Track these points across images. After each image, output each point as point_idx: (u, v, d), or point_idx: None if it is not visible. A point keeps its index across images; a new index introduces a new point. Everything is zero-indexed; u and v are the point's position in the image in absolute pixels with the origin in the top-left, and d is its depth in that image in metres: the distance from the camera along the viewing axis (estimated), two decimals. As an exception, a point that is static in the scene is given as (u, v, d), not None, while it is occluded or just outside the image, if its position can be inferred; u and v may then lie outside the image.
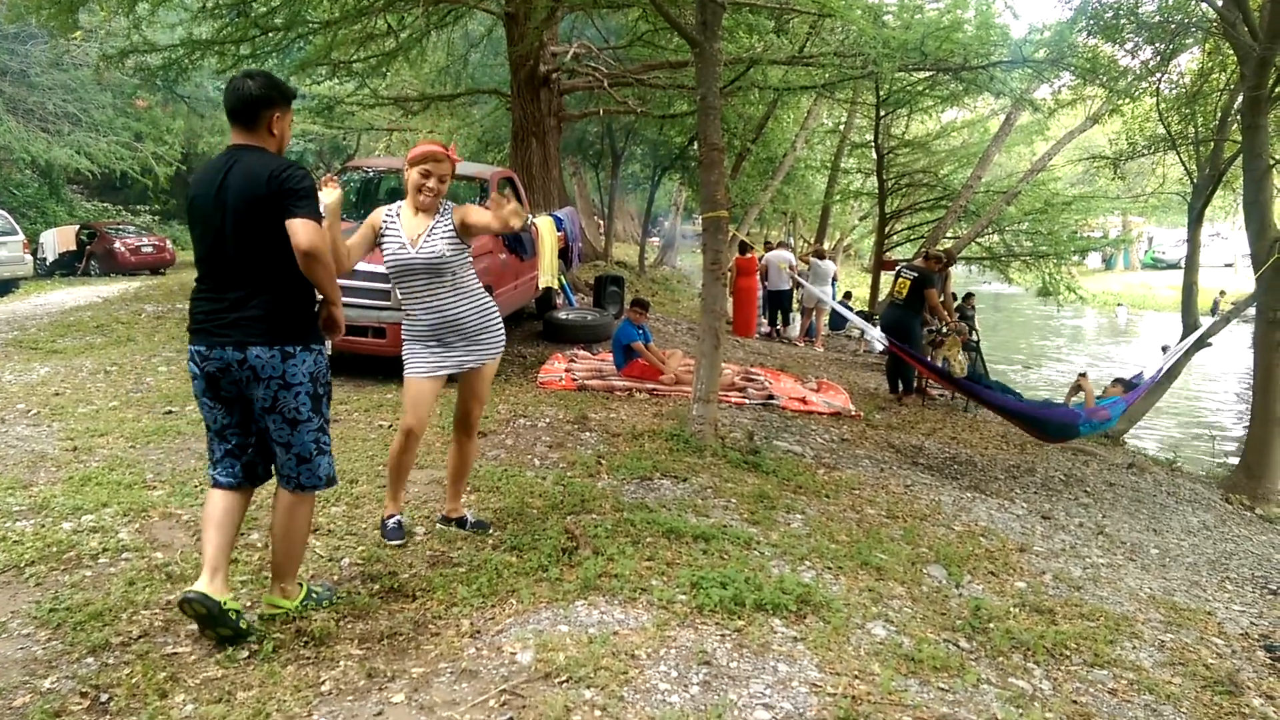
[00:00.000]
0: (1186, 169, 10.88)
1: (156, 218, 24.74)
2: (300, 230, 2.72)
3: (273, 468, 3.03)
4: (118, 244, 19.27)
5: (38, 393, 6.36)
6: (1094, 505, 6.68)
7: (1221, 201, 15.22)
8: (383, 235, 3.76)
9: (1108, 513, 6.54)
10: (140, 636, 2.86)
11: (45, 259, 19.26)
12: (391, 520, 3.87)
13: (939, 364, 7.70)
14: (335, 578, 3.44)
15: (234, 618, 2.78)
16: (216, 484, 2.95)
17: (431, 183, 3.70)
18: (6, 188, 21.16)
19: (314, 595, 3.14)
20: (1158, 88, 10.96)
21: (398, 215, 3.78)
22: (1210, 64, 10.72)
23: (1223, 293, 22.64)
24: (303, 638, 2.90)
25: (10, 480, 4.30)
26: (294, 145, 25.89)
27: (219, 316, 2.84)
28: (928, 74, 13.45)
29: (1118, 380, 8.34)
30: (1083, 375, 8.15)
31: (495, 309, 4.00)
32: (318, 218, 2.81)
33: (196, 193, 2.90)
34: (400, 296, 3.84)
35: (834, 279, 15.89)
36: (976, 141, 19.64)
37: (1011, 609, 3.95)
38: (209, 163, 2.97)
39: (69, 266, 19.41)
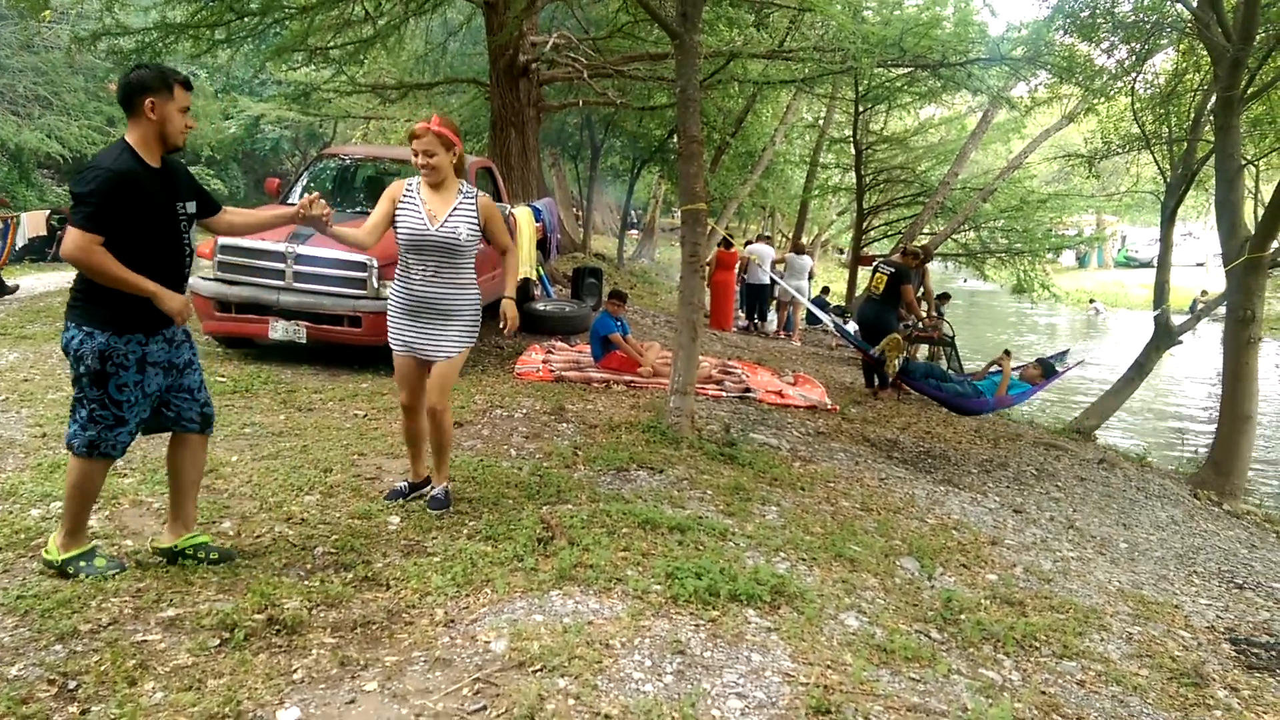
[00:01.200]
0: (1160, 168, 11.01)
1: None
2: (65, 239, 2.90)
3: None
4: None
5: (6, 379, 6.26)
6: (1065, 499, 6.76)
7: (1194, 201, 15.41)
8: (400, 208, 3.90)
9: (1078, 507, 6.61)
10: (109, 624, 2.83)
11: (15, 244, 18.96)
12: (437, 489, 4.18)
13: (876, 354, 8.04)
14: (308, 566, 3.41)
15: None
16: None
17: (421, 159, 3.85)
18: (-26, 172, 20.79)
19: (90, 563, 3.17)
20: (1133, 87, 11.06)
21: (417, 190, 3.94)
22: (1185, 64, 10.86)
23: (1204, 292, 22.85)
24: (274, 625, 2.88)
25: (-23, 467, 4.24)
26: (270, 132, 25.63)
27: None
28: (906, 70, 13.50)
29: (1039, 360, 8.49)
30: (1006, 354, 8.31)
31: (479, 307, 4.09)
32: (83, 225, 2.89)
33: None
34: (402, 269, 3.98)
35: (810, 274, 15.94)
36: (954, 138, 19.75)
37: (983, 601, 3.99)
38: None
39: (39, 252, 19.11)
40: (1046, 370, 8.28)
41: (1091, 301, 29.83)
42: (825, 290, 19.86)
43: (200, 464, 3.41)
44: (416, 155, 3.86)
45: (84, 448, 3.10)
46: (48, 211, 20.33)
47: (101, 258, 2.92)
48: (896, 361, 7.87)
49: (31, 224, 19.57)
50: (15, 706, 2.34)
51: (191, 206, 3.23)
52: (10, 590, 2.97)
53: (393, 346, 4.04)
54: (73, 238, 2.89)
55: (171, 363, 3.23)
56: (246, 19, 10.28)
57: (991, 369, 8.49)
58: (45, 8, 10.77)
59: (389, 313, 4.03)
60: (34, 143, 19.46)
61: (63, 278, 12.30)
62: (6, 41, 19.33)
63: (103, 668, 2.56)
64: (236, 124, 26.02)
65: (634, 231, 30.78)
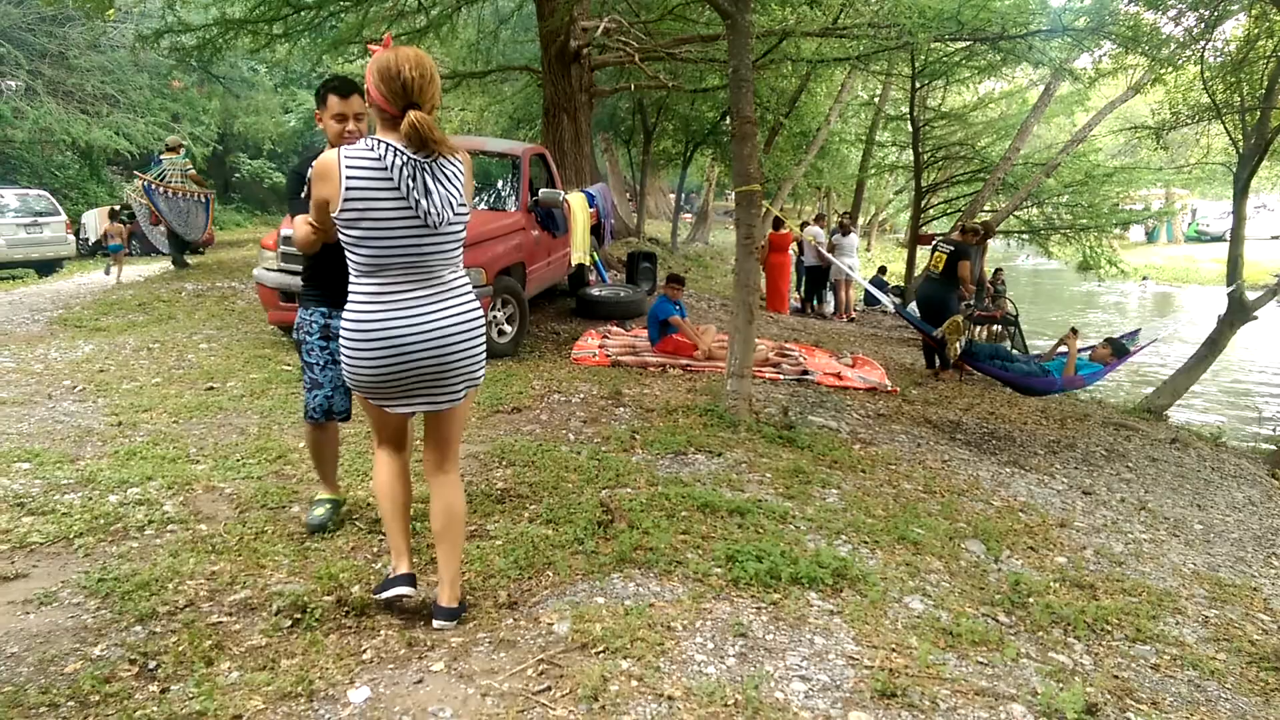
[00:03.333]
0: (1231, 139, 10.60)
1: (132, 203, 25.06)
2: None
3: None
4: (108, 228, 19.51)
5: (83, 369, 6.48)
6: (1136, 481, 6.59)
7: (1268, 172, 14.84)
8: None
9: (1150, 488, 6.44)
10: (186, 606, 2.91)
11: (87, 239, 19.57)
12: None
13: (938, 336, 7.91)
14: (375, 549, 3.48)
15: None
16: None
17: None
18: (48, 169, 21.47)
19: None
20: (1202, 55, 10.66)
21: None
22: (1256, 30, 10.41)
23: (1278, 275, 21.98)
24: (344, 607, 2.94)
25: (58, 454, 4.39)
26: (327, 125, 25.99)
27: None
28: (964, 44, 13.20)
29: (1108, 340, 8.20)
30: (1073, 332, 8.05)
31: None
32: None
33: None
34: None
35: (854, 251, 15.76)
36: (1015, 113, 19.30)
37: (1051, 584, 3.91)
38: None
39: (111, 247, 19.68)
40: (1117, 350, 8.01)
41: (1144, 279, 28.78)
42: (882, 270, 19.58)
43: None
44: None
45: (304, 412, 3.65)
46: (118, 207, 20.94)
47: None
48: (958, 345, 7.72)
49: (102, 219, 20.19)
50: (100, 685, 2.43)
51: None
52: (92, 573, 3.08)
53: None
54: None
55: None
56: (303, 13, 10.45)
57: (1059, 349, 8.26)
58: (109, 7, 11.08)
59: None
60: (103, 140, 20.05)
61: (134, 272, 12.66)
62: (75, 41, 19.90)
63: (180, 648, 2.64)
64: (295, 117, 26.50)
65: (688, 215, 30.66)
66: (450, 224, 2.67)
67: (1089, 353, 8.13)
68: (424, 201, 2.59)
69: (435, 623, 2.85)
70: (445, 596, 2.87)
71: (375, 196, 2.57)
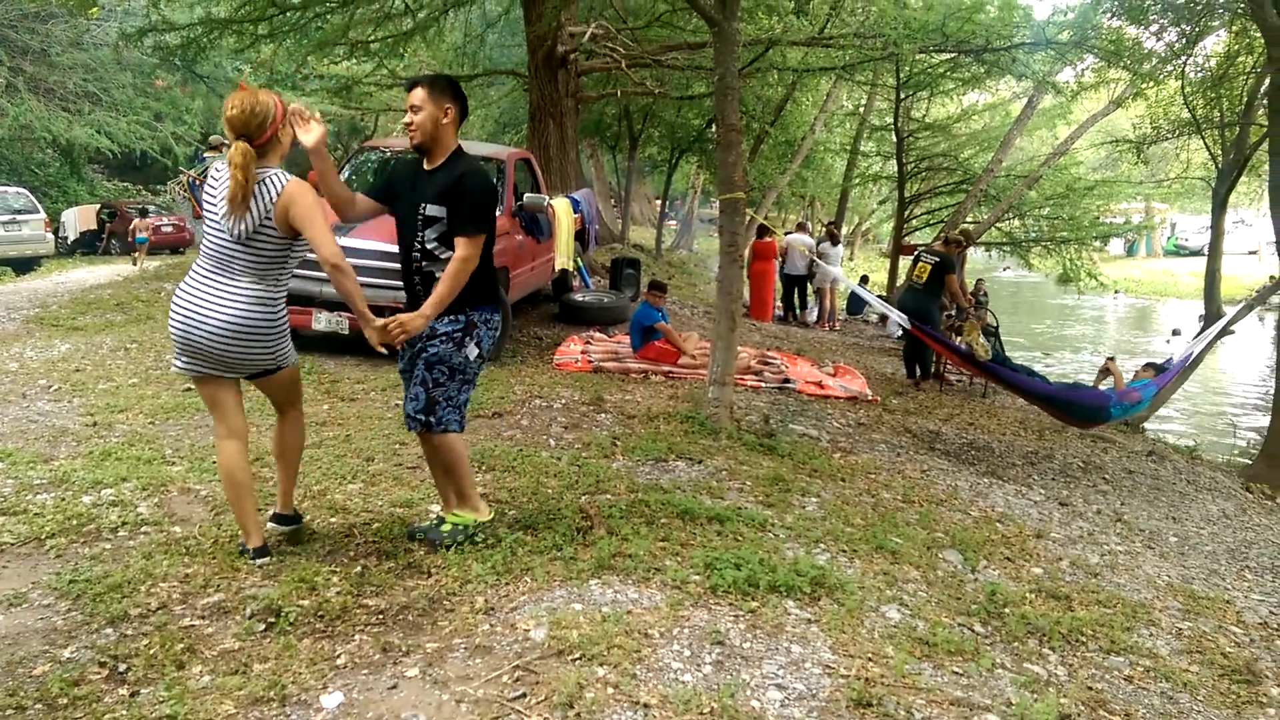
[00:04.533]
0: (1211, 154, 10.76)
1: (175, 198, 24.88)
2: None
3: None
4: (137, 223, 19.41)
5: (59, 369, 6.42)
6: (1112, 492, 6.64)
7: (1246, 187, 15.01)
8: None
9: (1126, 500, 6.49)
10: (158, 608, 2.88)
11: (66, 237, 19.43)
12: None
13: (963, 348, 7.56)
14: (351, 553, 3.45)
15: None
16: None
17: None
18: (28, 166, 21.30)
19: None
20: (1183, 71, 10.81)
21: None
22: (1237, 46, 10.57)
23: (1273, 277, 22.13)
24: (318, 612, 2.92)
25: (32, 454, 4.34)
26: (312, 126, 25.93)
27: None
28: (949, 56, 13.32)
29: (1149, 364, 8.03)
30: (1111, 359, 7.91)
31: None
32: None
33: None
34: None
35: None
36: (998, 125, 19.43)
37: (1027, 594, 3.93)
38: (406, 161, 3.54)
39: (90, 245, 19.56)
40: (1159, 370, 7.74)
41: (1116, 292, 28.90)
42: (864, 280, 19.68)
43: (432, 456, 3.63)
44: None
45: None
46: (98, 205, 20.83)
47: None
48: (980, 341, 7.30)
49: (82, 218, 20.06)
50: (68, 688, 2.40)
51: (433, 209, 3.37)
52: (63, 575, 3.04)
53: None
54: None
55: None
56: (289, 14, 10.41)
57: (1104, 381, 7.68)
58: (93, 5, 11.01)
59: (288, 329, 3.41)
60: (84, 138, 19.90)
61: (113, 271, 12.56)
62: (57, 38, 19.75)
63: (152, 651, 2.61)
64: (279, 118, 26.29)
65: (672, 222, 30.71)
66: (250, 238, 3.10)
67: (1133, 375, 7.82)
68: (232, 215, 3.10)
69: (268, 525, 3.46)
70: (280, 505, 3.53)
71: (212, 200, 3.18)
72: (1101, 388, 7.68)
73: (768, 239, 14.53)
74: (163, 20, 10.79)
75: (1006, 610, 3.64)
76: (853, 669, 2.80)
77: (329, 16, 10.98)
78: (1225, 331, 9.53)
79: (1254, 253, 32.36)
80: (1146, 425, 10.30)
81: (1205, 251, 11.74)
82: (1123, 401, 7.12)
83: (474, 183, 3.36)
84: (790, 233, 16.19)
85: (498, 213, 3.51)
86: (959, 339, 7.80)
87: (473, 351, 3.48)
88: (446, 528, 3.55)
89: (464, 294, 3.37)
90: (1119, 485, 6.88)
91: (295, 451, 3.55)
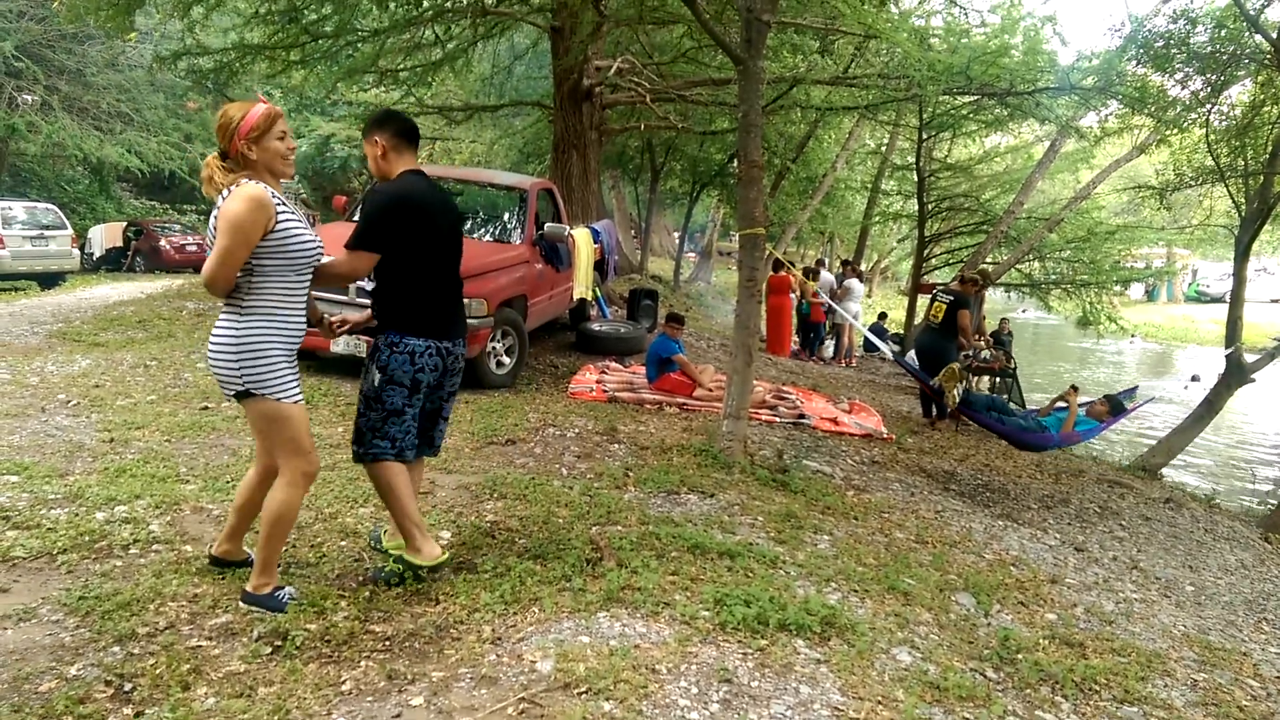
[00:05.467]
0: (1234, 201, 10.68)
1: (202, 217, 25.17)
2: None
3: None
4: (163, 241, 19.68)
5: (78, 384, 6.47)
6: (1129, 539, 6.55)
7: (1269, 236, 14.93)
8: (280, 217, 2.96)
9: (1143, 547, 6.41)
10: (166, 628, 2.88)
11: (92, 254, 19.70)
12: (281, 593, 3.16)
13: (935, 385, 7.95)
14: (360, 578, 3.45)
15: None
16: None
17: (287, 143, 3.09)
18: (58, 183, 21.63)
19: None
20: (1207, 119, 10.78)
21: (280, 197, 3.03)
22: (1262, 96, 10.54)
23: None
24: (326, 637, 2.91)
25: (48, 469, 4.37)
26: (339, 151, 26.27)
27: (460, 317, 3.58)
28: (972, 98, 13.34)
29: (1107, 397, 8.23)
30: (1073, 389, 8.09)
31: None
32: None
33: (446, 211, 3.45)
34: (284, 296, 3.02)
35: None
36: (1020, 167, 19.41)
37: (1041, 640, 3.87)
38: (429, 185, 3.39)
39: (115, 262, 19.82)
40: (1115, 407, 8.05)
41: (1133, 336, 28.72)
42: (883, 316, 19.64)
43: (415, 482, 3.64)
44: (284, 140, 3.05)
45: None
46: (125, 223, 21.12)
47: None
48: (955, 393, 7.74)
49: (108, 235, 20.34)
50: (73, 706, 2.40)
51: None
52: (74, 591, 3.05)
53: (297, 396, 3.07)
54: None
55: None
56: (320, 41, 10.57)
57: (1058, 404, 8.27)
58: (130, 28, 11.18)
59: (272, 363, 2.98)
60: (115, 157, 20.20)
61: (137, 288, 12.70)
62: (93, 59, 20.12)
63: (158, 671, 2.61)
64: (308, 142, 26.71)
65: (691, 254, 30.81)
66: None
67: (1086, 409, 8.13)
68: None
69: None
70: (216, 546, 3.41)
71: None
72: (1057, 407, 8.25)
73: (782, 273, 14.54)
74: (197, 44, 10.98)
75: (1019, 656, 3.58)
76: (862, 712, 2.76)
77: (360, 45, 11.14)
78: (1245, 380, 9.44)
79: (1277, 301, 32.13)
80: (1164, 472, 10.18)
81: (1226, 299, 11.63)
82: (1064, 443, 8.15)
83: (369, 200, 3.33)
84: (813, 272, 16.19)
85: (437, 236, 3.40)
86: (933, 380, 8.01)
87: (376, 377, 3.32)
88: (390, 565, 3.41)
89: (380, 318, 3.39)
90: (1135, 532, 6.80)
91: (253, 509, 3.23)
